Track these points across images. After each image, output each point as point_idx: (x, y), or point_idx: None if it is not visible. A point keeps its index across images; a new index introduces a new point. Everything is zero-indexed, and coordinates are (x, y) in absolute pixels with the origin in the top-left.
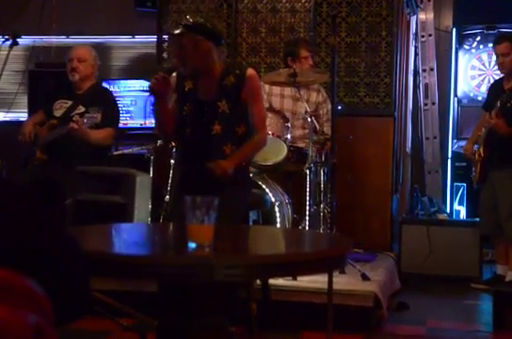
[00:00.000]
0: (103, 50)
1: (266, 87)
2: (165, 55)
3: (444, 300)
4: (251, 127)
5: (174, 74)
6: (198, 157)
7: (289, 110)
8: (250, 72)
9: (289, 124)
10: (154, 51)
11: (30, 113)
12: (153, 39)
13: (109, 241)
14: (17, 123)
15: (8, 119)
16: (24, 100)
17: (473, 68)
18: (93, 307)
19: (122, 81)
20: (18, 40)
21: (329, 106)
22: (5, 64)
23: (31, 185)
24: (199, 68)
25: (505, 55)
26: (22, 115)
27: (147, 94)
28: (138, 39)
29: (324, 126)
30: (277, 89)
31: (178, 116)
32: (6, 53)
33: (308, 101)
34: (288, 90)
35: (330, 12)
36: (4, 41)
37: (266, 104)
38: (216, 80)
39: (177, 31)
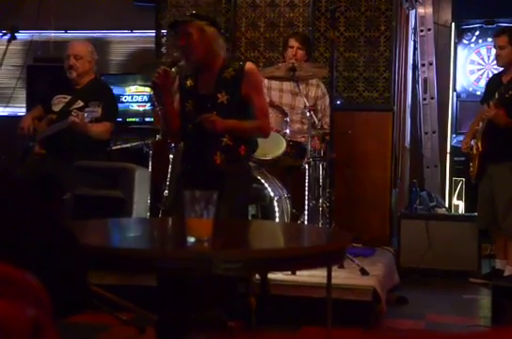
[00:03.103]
0: (101, 45)
1: (265, 81)
2: (163, 49)
3: (443, 295)
4: (252, 119)
5: (174, 70)
6: (198, 150)
7: (288, 105)
8: (249, 65)
9: (288, 119)
10: (153, 45)
11: (28, 108)
12: (152, 33)
13: (108, 235)
14: (15, 118)
15: (6, 113)
16: (23, 94)
17: (472, 62)
18: (92, 301)
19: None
20: (16, 34)
21: (328, 101)
22: (3, 59)
23: (30, 179)
24: (202, 59)
25: (502, 47)
26: (20, 110)
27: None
28: (137, 33)
29: (322, 121)
30: (275, 84)
31: (181, 113)
32: (4, 47)
33: (307, 95)
34: (287, 85)
35: (329, 7)
36: (2, 36)
37: (267, 99)
38: (216, 73)
39: (183, 19)
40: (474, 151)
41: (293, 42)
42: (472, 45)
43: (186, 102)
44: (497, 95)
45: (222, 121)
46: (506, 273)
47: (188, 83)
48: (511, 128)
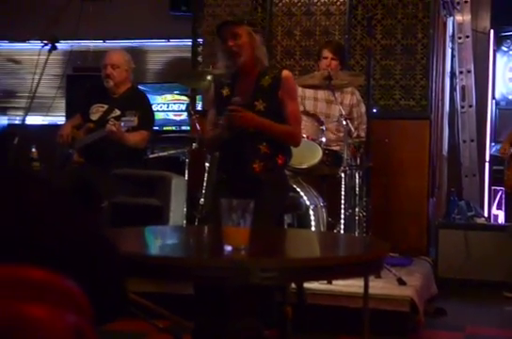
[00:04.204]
0: (138, 54)
1: (299, 90)
2: (199, 58)
3: (483, 306)
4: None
5: (209, 78)
6: (236, 159)
7: (323, 113)
8: (286, 73)
9: (324, 127)
10: (189, 55)
11: (68, 117)
12: (188, 42)
13: (145, 243)
14: (55, 127)
15: (46, 122)
16: (62, 104)
17: None
18: (130, 309)
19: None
20: (56, 44)
21: (363, 109)
22: (44, 68)
23: (68, 187)
24: (247, 61)
25: None
26: (60, 118)
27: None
28: (173, 42)
29: (358, 129)
30: (310, 92)
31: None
32: (45, 57)
33: (342, 103)
34: (321, 93)
35: (366, 15)
36: (43, 46)
37: (301, 108)
38: (253, 81)
39: (234, 19)
40: None
41: (326, 53)
42: None
43: (223, 111)
44: None
45: (252, 116)
46: None
47: (225, 92)
48: None
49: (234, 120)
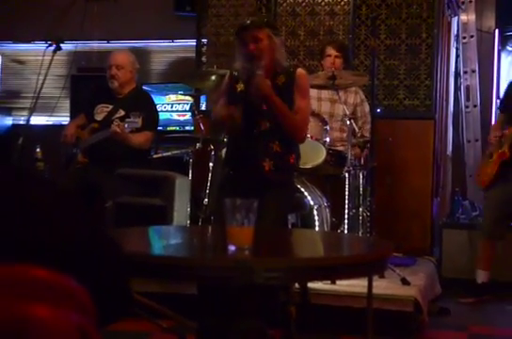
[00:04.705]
0: (142, 54)
1: None
2: (204, 58)
3: (486, 306)
4: None
5: (213, 79)
6: (245, 156)
7: (326, 112)
8: (300, 71)
9: (328, 127)
10: (193, 55)
11: (72, 117)
12: (193, 43)
13: (149, 243)
14: (59, 127)
15: (50, 122)
16: (67, 104)
17: None
18: (133, 309)
19: (162, 85)
20: (61, 45)
21: (367, 109)
22: (48, 69)
23: (73, 188)
24: (268, 64)
25: None
26: (64, 119)
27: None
28: (178, 43)
29: (362, 129)
30: (314, 93)
31: None
32: (49, 58)
33: (346, 102)
34: (325, 93)
35: (370, 15)
36: (47, 47)
37: None
38: (269, 79)
39: (256, 24)
40: (495, 156)
41: (330, 51)
42: None
43: (235, 106)
44: None
45: (271, 89)
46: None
47: (239, 87)
48: None
49: (260, 85)
